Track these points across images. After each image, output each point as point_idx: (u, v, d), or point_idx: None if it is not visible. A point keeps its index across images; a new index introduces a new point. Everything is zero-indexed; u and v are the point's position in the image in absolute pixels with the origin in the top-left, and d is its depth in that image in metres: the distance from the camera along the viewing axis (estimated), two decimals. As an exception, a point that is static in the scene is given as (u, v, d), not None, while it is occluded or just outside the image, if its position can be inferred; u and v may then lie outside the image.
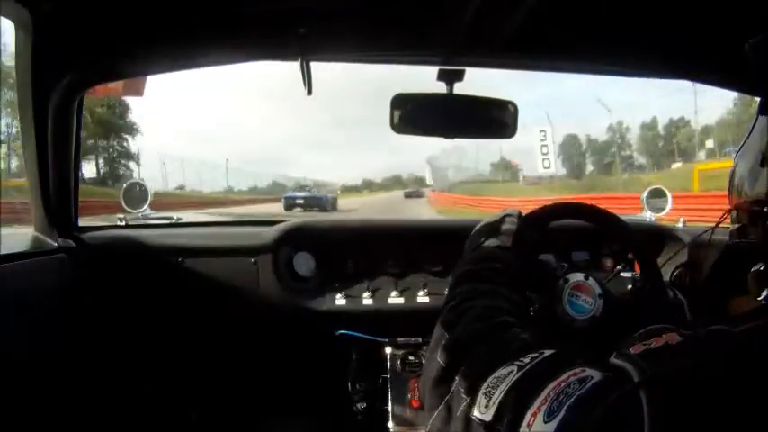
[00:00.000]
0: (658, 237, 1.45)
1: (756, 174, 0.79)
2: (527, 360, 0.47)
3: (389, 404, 1.35)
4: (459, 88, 1.10)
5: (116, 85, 1.20)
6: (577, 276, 0.86)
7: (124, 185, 1.54)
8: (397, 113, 1.07)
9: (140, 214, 1.49)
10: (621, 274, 1.29)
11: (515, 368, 0.47)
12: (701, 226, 1.31)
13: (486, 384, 0.48)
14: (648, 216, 1.60)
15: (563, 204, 0.97)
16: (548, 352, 0.48)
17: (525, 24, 0.86)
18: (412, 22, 0.94)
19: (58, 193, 1.13)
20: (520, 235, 0.80)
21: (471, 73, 1.09)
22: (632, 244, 1.00)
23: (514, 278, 0.73)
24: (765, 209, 0.74)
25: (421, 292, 1.35)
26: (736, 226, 0.83)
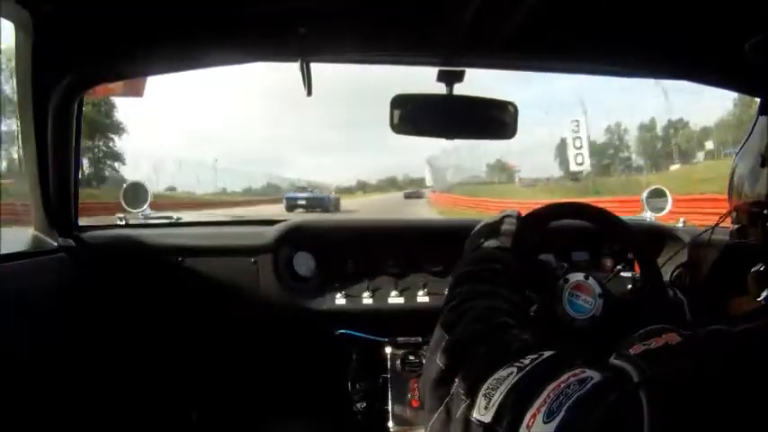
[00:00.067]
0: (658, 237, 1.45)
1: (756, 174, 0.79)
2: (527, 361, 0.47)
3: (389, 404, 1.35)
4: (458, 89, 1.10)
5: (116, 86, 1.19)
6: (577, 276, 0.86)
7: (124, 185, 1.54)
8: (396, 114, 1.07)
9: (140, 214, 1.49)
10: (621, 273, 1.29)
11: (515, 369, 0.47)
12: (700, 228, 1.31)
13: (485, 386, 0.48)
14: (648, 216, 1.60)
15: (563, 204, 0.97)
16: (547, 353, 0.48)
17: (525, 24, 0.85)
18: (412, 23, 0.94)
19: (57, 193, 1.13)
20: (519, 235, 0.80)
21: (470, 74, 1.09)
22: (632, 244, 1.00)
23: (514, 279, 0.73)
24: (765, 210, 0.74)
25: (421, 292, 1.35)
26: (736, 227, 0.83)
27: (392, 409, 1.35)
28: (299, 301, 1.33)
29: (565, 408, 0.39)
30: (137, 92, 1.23)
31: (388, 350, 1.39)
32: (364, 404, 1.40)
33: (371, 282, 1.36)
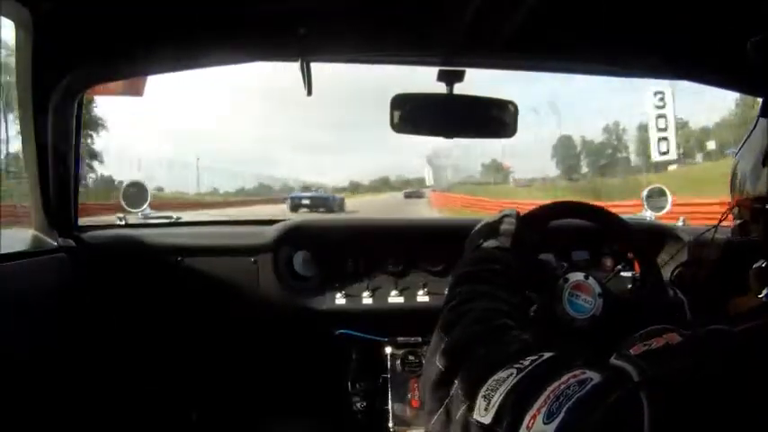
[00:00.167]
0: (658, 236, 1.45)
1: (758, 173, 0.79)
2: (526, 362, 0.47)
3: (389, 404, 1.35)
4: (458, 89, 1.10)
5: (116, 85, 1.19)
6: (577, 276, 0.86)
7: (124, 185, 1.54)
8: (396, 113, 1.07)
9: (140, 213, 1.49)
10: (621, 273, 1.29)
11: (515, 371, 0.47)
12: (701, 225, 1.31)
13: (485, 387, 0.48)
14: (648, 215, 1.60)
15: (562, 204, 0.97)
16: (547, 354, 0.48)
17: (525, 24, 0.85)
18: (412, 22, 0.94)
19: (57, 193, 1.13)
20: (519, 235, 0.80)
21: (471, 73, 1.09)
22: (632, 243, 1.00)
23: (514, 279, 0.73)
24: (767, 205, 0.74)
25: (421, 292, 1.35)
26: (738, 222, 0.83)
27: (392, 409, 1.35)
28: (298, 301, 1.33)
29: (565, 409, 0.39)
30: (137, 91, 1.23)
31: (388, 350, 1.39)
32: (364, 404, 1.40)
33: (371, 281, 1.36)
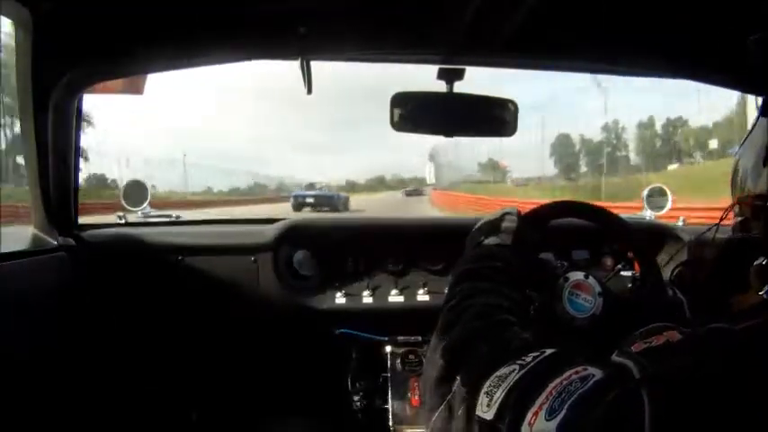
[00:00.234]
0: (658, 235, 1.45)
1: (759, 171, 0.79)
2: (528, 359, 0.48)
3: (389, 403, 1.35)
4: (458, 87, 1.10)
5: (116, 84, 1.19)
6: (577, 275, 0.86)
7: (124, 183, 1.55)
8: (397, 112, 1.07)
9: (140, 212, 1.49)
10: (621, 272, 1.29)
11: (517, 367, 0.47)
12: (701, 225, 1.31)
13: (487, 384, 0.48)
14: (648, 215, 1.61)
15: (563, 203, 0.97)
16: (549, 351, 0.48)
17: (525, 24, 0.86)
18: (412, 22, 0.94)
19: (57, 192, 1.13)
20: (519, 233, 0.80)
21: (470, 71, 1.09)
22: (632, 243, 1.00)
23: (514, 277, 0.73)
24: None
25: (421, 291, 1.35)
26: (739, 219, 0.83)
27: (392, 407, 1.35)
28: (299, 300, 1.33)
29: (567, 405, 0.39)
30: (137, 90, 1.23)
31: (388, 349, 1.39)
32: (364, 403, 1.41)
33: (371, 280, 1.36)
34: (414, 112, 1.08)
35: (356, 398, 1.41)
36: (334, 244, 1.40)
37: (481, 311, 0.62)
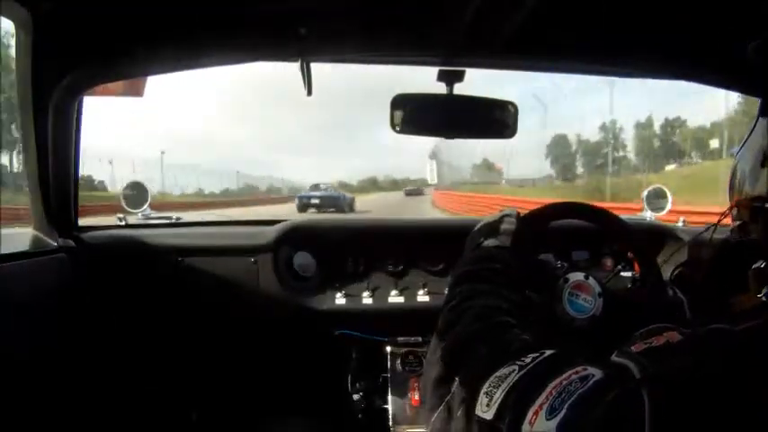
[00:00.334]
0: (658, 236, 1.45)
1: (757, 174, 0.79)
2: (528, 360, 0.48)
3: (389, 403, 1.35)
4: (457, 89, 1.10)
5: (116, 85, 1.19)
6: (577, 276, 0.86)
7: (125, 184, 1.55)
8: (397, 114, 1.08)
9: (140, 214, 1.50)
10: (621, 273, 1.29)
11: (516, 368, 0.47)
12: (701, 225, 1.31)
13: (487, 384, 0.48)
14: (648, 215, 1.61)
15: (563, 204, 0.97)
16: (549, 351, 0.48)
17: (525, 24, 0.86)
18: (412, 23, 0.94)
19: (57, 193, 1.13)
20: (519, 235, 0.80)
21: (471, 74, 1.10)
22: (632, 243, 1.00)
23: (514, 278, 0.73)
24: (766, 204, 0.74)
25: (421, 292, 1.35)
26: (737, 223, 0.83)
27: (392, 408, 1.35)
28: (299, 301, 1.33)
29: (567, 405, 0.39)
30: (137, 91, 1.23)
31: (388, 349, 1.39)
32: (364, 403, 1.41)
33: (371, 281, 1.36)
34: (414, 114, 1.09)
35: (356, 398, 1.41)
36: (334, 245, 1.40)
37: (481, 313, 0.62)
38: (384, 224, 1.61)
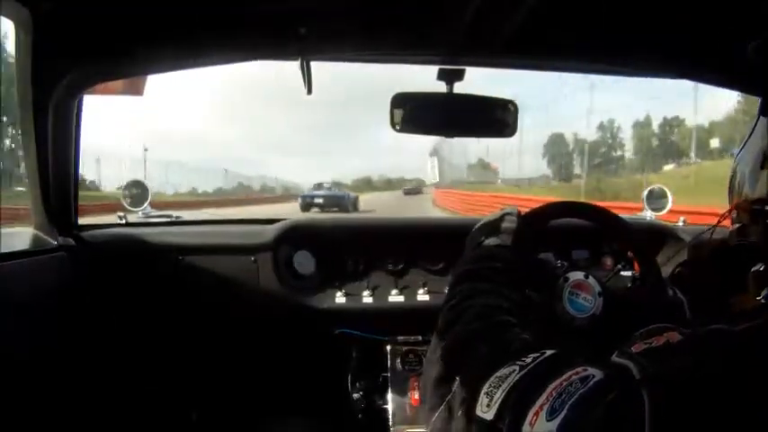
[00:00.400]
0: (658, 235, 1.45)
1: (757, 175, 0.79)
2: (528, 360, 0.48)
3: (390, 402, 1.35)
4: (458, 87, 1.10)
5: (115, 85, 1.19)
6: (577, 275, 0.86)
7: (124, 183, 1.55)
8: (397, 113, 1.07)
9: (140, 212, 1.50)
10: (621, 272, 1.29)
11: (517, 368, 0.47)
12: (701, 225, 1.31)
13: (487, 384, 0.48)
14: (648, 215, 1.61)
15: (563, 203, 0.97)
16: (549, 352, 0.48)
17: (525, 24, 0.86)
18: (412, 22, 0.94)
19: (57, 192, 1.13)
20: (519, 233, 0.80)
21: (470, 72, 1.10)
22: (632, 243, 1.00)
23: (514, 277, 0.73)
24: (766, 207, 0.74)
25: (421, 291, 1.35)
26: (737, 226, 0.83)
27: (392, 407, 1.35)
28: (299, 300, 1.33)
29: (567, 405, 0.39)
30: (137, 91, 1.23)
31: (388, 348, 1.39)
32: (364, 403, 1.41)
33: (371, 280, 1.36)
34: (414, 113, 1.08)
35: (356, 397, 1.41)
36: (334, 244, 1.40)
37: (481, 312, 0.62)
38: (384, 223, 1.61)
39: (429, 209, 18.71)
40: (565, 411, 0.39)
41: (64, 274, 1.13)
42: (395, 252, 1.40)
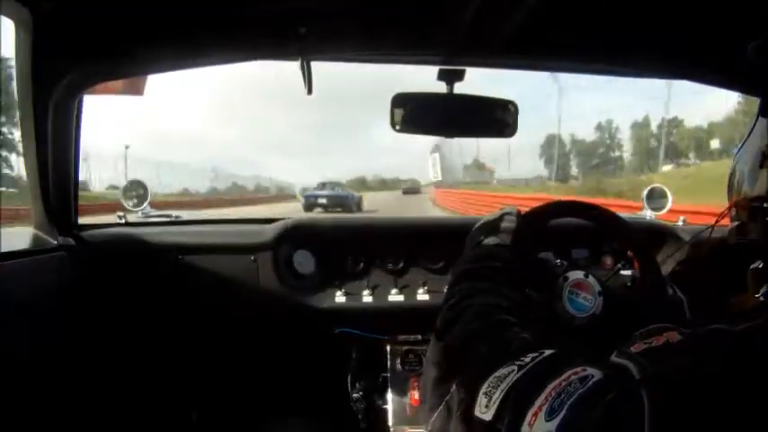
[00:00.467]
0: (658, 235, 1.45)
1: (756, 174, 0.79)
2: (527, 360, 0.48)
3: (389, 402, 1.35)
4: (458, 87, 1.10)
5: (116, 85, 1.19)
6: (577, 274, 0.87)
7: (125, 183, 1.55)
8: (398, 113, 1.07)
9: (140, 212, 1.50)
10: (621, 271, 1.29)
11: (516, 368, 0.47)
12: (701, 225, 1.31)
13: (486, 384, 0.48)
14: (648, 214, 1.61)
15: (563, 202, 0.97)
16: (548, 352, 0.48)
17: (525, 24, 0.86)
18: (412, 22, 0.94)
19: (57, 192, 1.13)
20: (519, 233, 0.81)
21: (470, 73, 1.10)
22: (632, 242, 1.01)
23: (514, 276, 0.73)
24: (766, 204, 0.74)
25: (421, 290, 1.35)
26: (736, 224, 0.83)
27: (392, 407, 1.35)
28: (298, 299, 1.33)
29: (566, 406, 0.39)
30: (137, 90, 1.23)
31: (388, 348, 1.39)
32: (364, 403, 1.41)
33: (371, 279, 1.36)
34: (414, 113, 1.09)
35: (356, 397, 1.41)
36: (334, 243, 1.40)
37: (480, 311, 0.62)
38: (384, 223, 1.61)
39: (429, 208, 18.63)
40: (564, 412, 0.39)
41: (64, 274, 1.13)
42: (395, 251, 1.40)
